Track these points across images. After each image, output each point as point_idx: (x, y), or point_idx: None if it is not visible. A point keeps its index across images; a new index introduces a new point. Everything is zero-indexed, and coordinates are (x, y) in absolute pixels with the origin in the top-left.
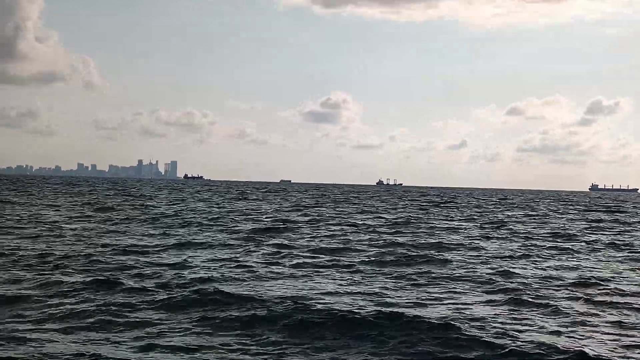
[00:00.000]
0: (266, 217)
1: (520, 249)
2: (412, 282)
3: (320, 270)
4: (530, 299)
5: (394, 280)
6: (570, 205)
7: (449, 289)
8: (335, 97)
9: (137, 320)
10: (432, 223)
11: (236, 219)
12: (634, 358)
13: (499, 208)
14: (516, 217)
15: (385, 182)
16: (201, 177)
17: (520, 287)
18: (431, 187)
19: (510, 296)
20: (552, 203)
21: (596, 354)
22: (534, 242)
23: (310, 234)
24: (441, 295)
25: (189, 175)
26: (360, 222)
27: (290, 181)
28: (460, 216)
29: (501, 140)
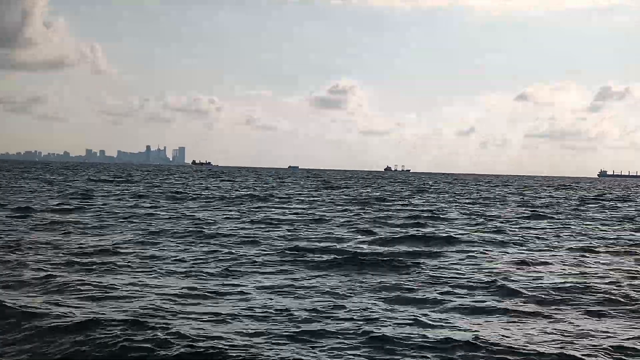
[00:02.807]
0: None
1: None
2: None
3: None
4: None
5: None
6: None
7: None
8: (343, 84)
9: None
10: None
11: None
12: None
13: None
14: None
15: (393, 169)
16: (209, 163)
17: None
18: (442, 174)
19: None
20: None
21: None
22: None
23: None
24: None
25: (197, 162)
26: None
27: (297, 167)
28: None
29: (510, 127)
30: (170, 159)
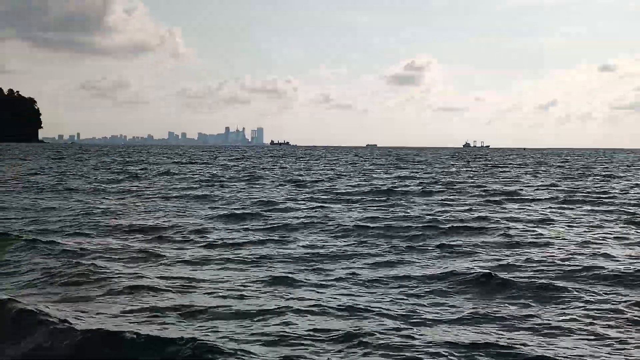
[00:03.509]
0: None
1: None
2: None
3: None
4: None
5: None
6: None
7: None
8: (419, 60)
9: None
10: None
11: None
12: None
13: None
14: None
15: (472, 145)
16: (287, 143)
17: None
18: (522, 149)
19: None
20: None
21: None
22: None
23: None
24: None
25: (275, 142)
26: None
27: (376, 145)
28: None
29: (593, 99)
30: (249, 140)
